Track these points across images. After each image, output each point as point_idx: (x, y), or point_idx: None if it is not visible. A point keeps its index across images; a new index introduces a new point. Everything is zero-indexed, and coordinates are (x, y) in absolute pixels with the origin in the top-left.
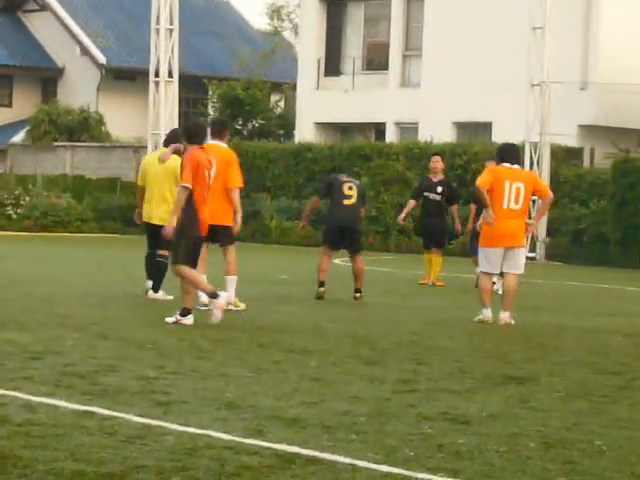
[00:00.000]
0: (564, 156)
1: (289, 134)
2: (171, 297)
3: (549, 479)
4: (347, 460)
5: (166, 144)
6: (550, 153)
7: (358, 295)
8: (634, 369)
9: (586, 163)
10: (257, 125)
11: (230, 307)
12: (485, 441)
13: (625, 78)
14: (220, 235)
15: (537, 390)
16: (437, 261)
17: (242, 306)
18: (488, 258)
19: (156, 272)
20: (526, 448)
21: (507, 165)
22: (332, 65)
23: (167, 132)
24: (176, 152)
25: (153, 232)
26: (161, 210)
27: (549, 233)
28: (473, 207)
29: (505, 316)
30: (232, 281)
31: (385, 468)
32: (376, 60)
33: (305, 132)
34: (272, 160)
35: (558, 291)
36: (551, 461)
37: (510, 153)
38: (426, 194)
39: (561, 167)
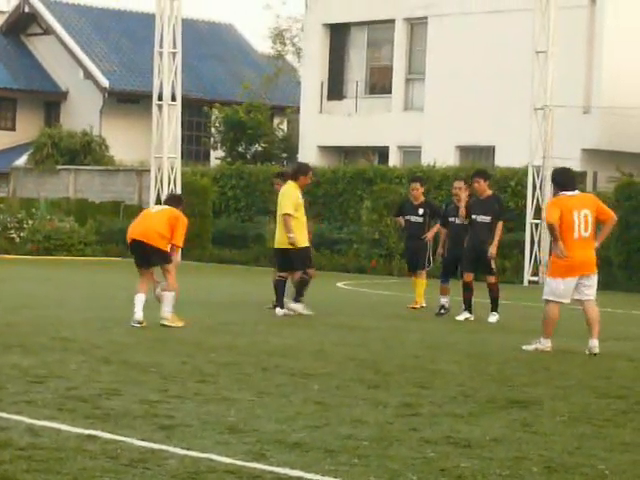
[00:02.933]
0: None
1: (292, 158)
2: (310, 312)
3: None
4: None
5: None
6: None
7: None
8: (638, 393)
9: (589, 187)
10: (260, 149)
11: (165, 322)
12: (488, 465)
13: (628, 102)
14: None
15: (540, 414)
16: (420, 283)
17: (180, 324)
18: (558, 288)
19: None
20: (529, 472)
21: (569, 193)
22: (335, 89)
23: (170, 155)
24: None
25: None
26: (279, 235)
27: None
28: (443, 231)
29: (595, 344)
30: (168, 297)
31: None
32: (379, 84)
33: (308, 155)
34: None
35: (562, 315)
36: None
37: (568, 180)
38: (407, 217)
39: None
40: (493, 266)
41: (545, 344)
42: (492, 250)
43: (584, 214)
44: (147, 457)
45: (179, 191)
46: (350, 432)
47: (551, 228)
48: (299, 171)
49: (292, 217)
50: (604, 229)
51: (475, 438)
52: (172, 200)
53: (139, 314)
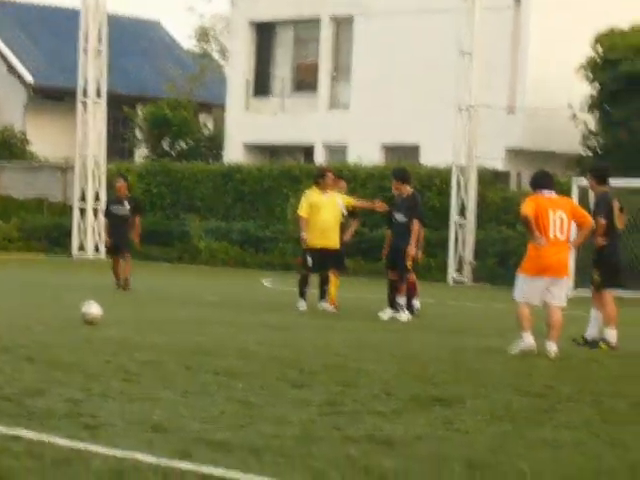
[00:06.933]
0: (491, 179)
1: (218, 155)
2: None
3: None
4: None
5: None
6: (477, 176)
7: None
8: (557, 391)
9: (513, 186)
10: (185, 146)
11: None
12: (410, 463)
13: (553, 102)
14: None
15: (462, 412)
16: (335, 283)
17: None
18: (529, 287)
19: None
20: (450, 470)
21: (546, 193)
22: (261, 86)
23: (95, 152)
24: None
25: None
26: None
27: (476, 256)
28: (355, 222)
29: (553, 348)
30: None
31: None
32: (305, 81)
33: (234, 153)
34: (200, 181)
35: (485, 313)
36: None
37: (546, 181)
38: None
39: (488, 190)
40: (408, 265)
41: (526, 340)
42: (410, 250)
43: (559, 216)
44: (72, 456)
45: (104, 189)
46: (274, 431)
47: (525, 220)
48: (316, 176)
49: (302, 218)
50: (580, 233)
51: (398, 436)
52: None
53: None
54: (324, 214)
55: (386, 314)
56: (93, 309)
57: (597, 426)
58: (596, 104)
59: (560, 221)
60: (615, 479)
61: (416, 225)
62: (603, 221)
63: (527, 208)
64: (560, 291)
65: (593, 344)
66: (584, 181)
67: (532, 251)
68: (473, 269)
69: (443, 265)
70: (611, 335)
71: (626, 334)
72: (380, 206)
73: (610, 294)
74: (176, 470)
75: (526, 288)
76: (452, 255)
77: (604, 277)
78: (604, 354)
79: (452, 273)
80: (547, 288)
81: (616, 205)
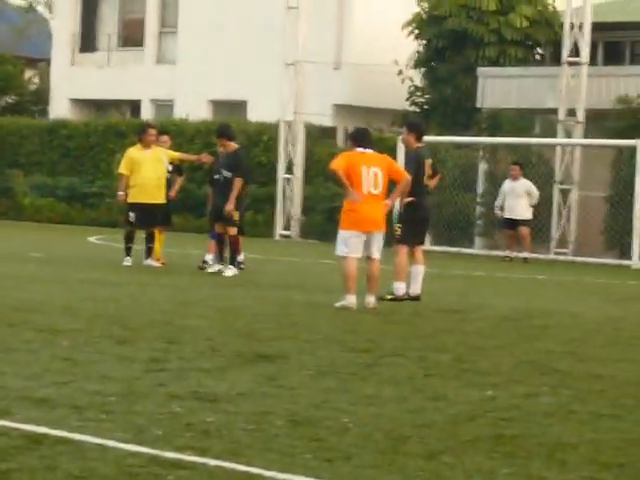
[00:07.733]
0: (318, 135)
1: (44, 110)
2: None
3: (295, 456)
4: (96, 440)
5: None
6: (305, 132)
7: None
8: (382, 346)
9: (340, 142)
10: (10, 101)
11: None
12: (233, 419)
13: (377, 59)
14: None
15: (287, 368)
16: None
17: None
18: (348, 242)
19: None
20: (274, 426)
21: (360, 150)
22: (87, 41)
23: None
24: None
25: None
26: None
27: (304, 212)
28: (180, 178)
29: (372, 300)
30: None
31: (133, 447)
32: (132, 37)
33: (60, 109)
34: (26, 136)
35: (312, 269)
36: (298, 438)
37: (363, 138)
38: None
39: (315, 146)
40: (234, 219)
41: (349, 300)
42: (228, 206)
43: (373, 171)
44: None
45: None
46: (97, 388)
47: (333, 174)
48: (138, 132)
49: (122, 175)
50: (396, 188)
51: (222, 392)
52: None
53: None
54: (145, 171)
55: (212, 268)
56: None
57: (420, 381)
58: (422, 60)
59: (374, 176)
60: (436, 432)
61: (238, 182)
62: (410, 177)
63: (335, 163)
64: (378, 245)
65: (417, 298)
66: None
67: (347, 206)
68: (301, 225)
69: (270, 221)
70: (397, 288)
71: (452, 288)
72: (206, 158)
73: (404, 249)
74: None
75: (346, 243)
76: (280, 211)
77: (405, 233)
78: (428, 309)
79: (279, 229)
80: (365, 242)
81: (428, 163)
